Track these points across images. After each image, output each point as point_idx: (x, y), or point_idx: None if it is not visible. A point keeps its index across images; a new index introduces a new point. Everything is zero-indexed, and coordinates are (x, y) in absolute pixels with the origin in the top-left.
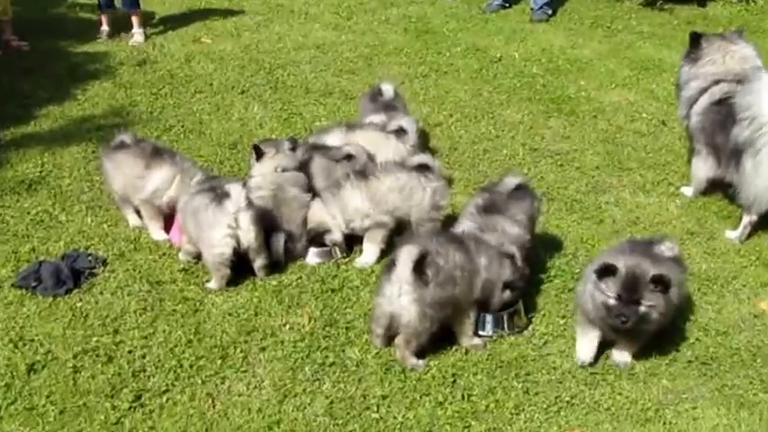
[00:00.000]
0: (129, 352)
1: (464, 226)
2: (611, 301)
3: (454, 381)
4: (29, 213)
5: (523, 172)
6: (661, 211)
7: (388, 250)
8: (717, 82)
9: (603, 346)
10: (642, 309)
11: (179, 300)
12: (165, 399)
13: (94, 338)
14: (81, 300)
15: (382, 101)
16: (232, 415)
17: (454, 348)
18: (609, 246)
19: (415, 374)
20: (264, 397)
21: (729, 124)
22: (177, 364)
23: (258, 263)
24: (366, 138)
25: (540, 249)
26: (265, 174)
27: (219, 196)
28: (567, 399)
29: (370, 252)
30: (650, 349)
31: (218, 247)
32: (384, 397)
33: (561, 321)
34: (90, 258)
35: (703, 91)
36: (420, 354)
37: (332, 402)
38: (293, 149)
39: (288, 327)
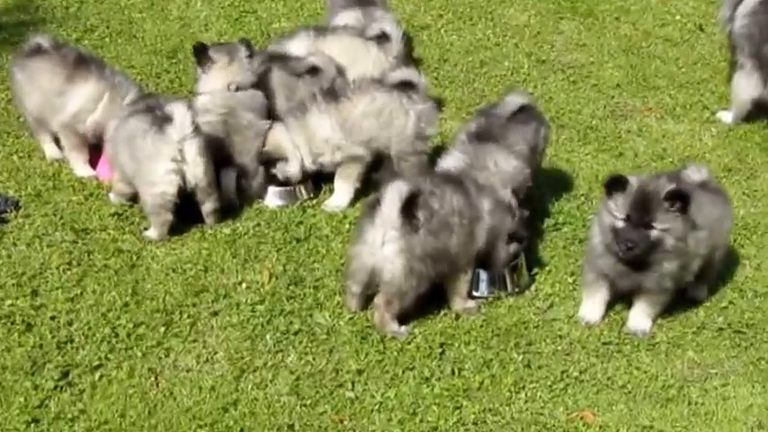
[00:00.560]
0: (53, 318)
1: (451, 158)
2: (619, 224)
3: (443, 352)
4: None
5: (528, 90)
6: (693, 141)
7: (365, 191)
8: None
9: (619, 311)
10: (654, 233)
11: (111, 252)
12: (97, 375)
13: (8, 302)
14: None
15: None
16: (179, 394)
17: (443, 313)
18: None
19: (397, 344)
20: (218, 372)
21: None
22: (111, 332)
23: (207, 206)
24: (340, 46)
25: (546, 189)
26: (214, 92)
27: (160, 120)
28: (576, 374)
29: (342, 192)
30: (673, 314)
31: (158, 185)
32: (360, 372)
33: (570, 280)
34: None
35: None
36: (402, 319)
37: (298, 378)
38: (250, 57)
39: (244, 286)
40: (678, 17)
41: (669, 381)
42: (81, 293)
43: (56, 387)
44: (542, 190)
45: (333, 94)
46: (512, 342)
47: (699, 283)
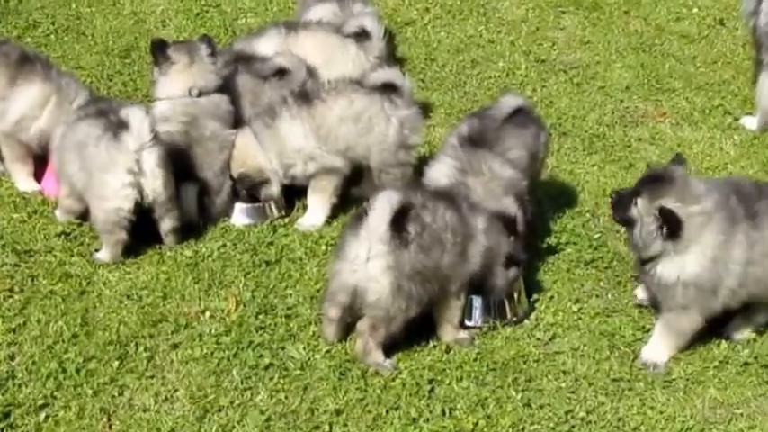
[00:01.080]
0: None
1: (441, 164)
2: None
3: (432, 389)
4: None
5: (526, 94)
6: (713, 150)
7: (343, 209)
8: None
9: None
10: None
11: (58, 277)
12: (42, 416)
13: None
14: None
15: None
16: None
17: (432, 344)
18: None
19: (380, 380)
20: (178, 412)
21: None
22: (58, 367)
23: (167, 224)
24: (314, 43)
25: (547, 205)
26: (174, 98)
27: (114, 126)
28: (582, 415)
29: (316, 209)
30: (692, 347)
31: (112, 199)
32: (338, 412)
33: (574, 308)
34: None
35: None
36: (388, 350)
37: (269, 419)
38: (212, 55)
39: (208, 315)
40: (695, 10)
41: (688, 422)
42: (24, 323)
43: None
44: (543, 206)
45: (305, 97)
46: (509, 378)
47: (741, 322)
